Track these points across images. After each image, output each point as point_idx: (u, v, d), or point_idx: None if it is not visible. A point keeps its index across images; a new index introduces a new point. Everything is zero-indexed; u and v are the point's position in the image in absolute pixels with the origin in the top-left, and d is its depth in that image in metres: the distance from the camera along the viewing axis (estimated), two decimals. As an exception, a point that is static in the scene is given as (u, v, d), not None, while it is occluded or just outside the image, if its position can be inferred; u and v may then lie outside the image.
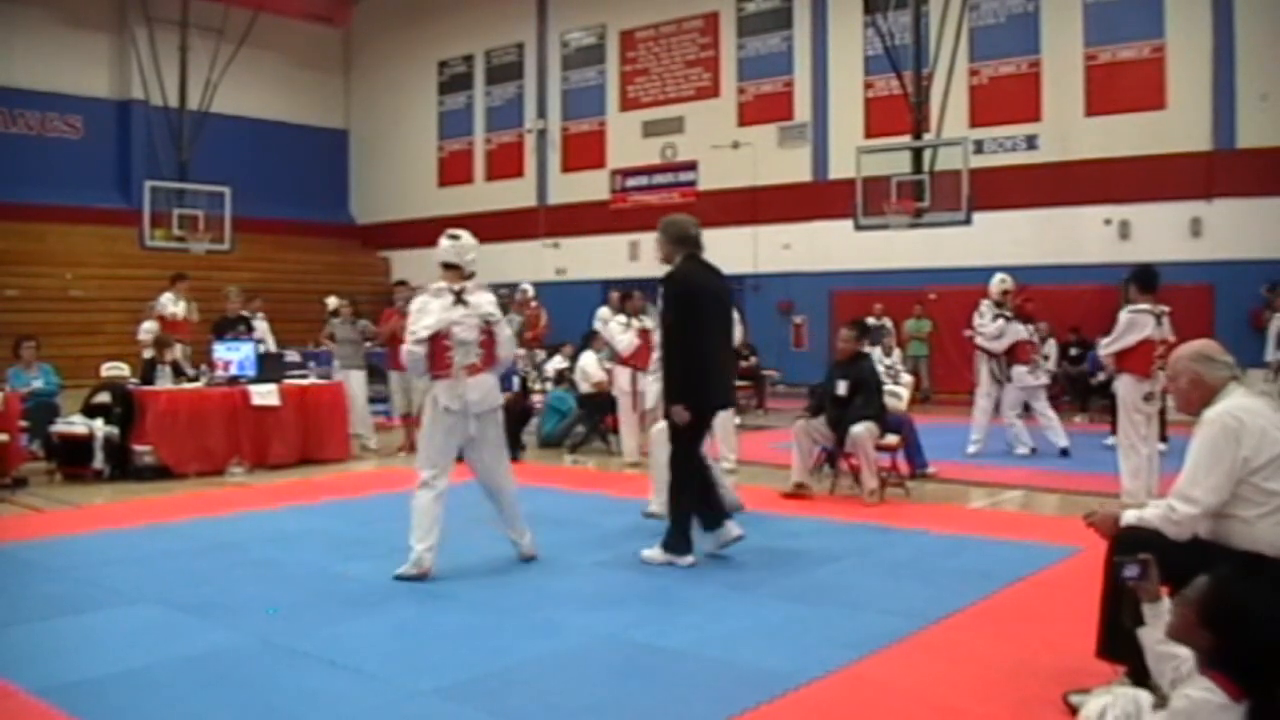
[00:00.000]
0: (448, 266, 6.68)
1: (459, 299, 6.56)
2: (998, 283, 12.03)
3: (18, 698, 4.39)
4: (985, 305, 11.99)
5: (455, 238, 6.74)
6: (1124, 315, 8.68)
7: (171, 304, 14.27)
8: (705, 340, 6.76)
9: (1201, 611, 3.14)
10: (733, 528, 6.92)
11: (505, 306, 18.64)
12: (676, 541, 6.73)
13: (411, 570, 6.33)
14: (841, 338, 9.41)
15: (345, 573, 6.60)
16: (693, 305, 6.74)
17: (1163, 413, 9.62)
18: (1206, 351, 4.20)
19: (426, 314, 6.54)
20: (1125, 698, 3.34)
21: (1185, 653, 3.21)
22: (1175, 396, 4.32)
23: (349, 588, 6.29)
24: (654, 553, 6.78)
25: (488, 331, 6.64)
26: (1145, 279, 8.78)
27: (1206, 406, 4.09)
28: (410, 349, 6.55)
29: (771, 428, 14.82)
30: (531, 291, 15.61)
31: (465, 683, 4.58)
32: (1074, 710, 3.97)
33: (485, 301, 6.69)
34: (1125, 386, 8.72)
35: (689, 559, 6.70)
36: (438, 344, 6.53)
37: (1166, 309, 8.74)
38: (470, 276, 6.71)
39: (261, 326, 14.97)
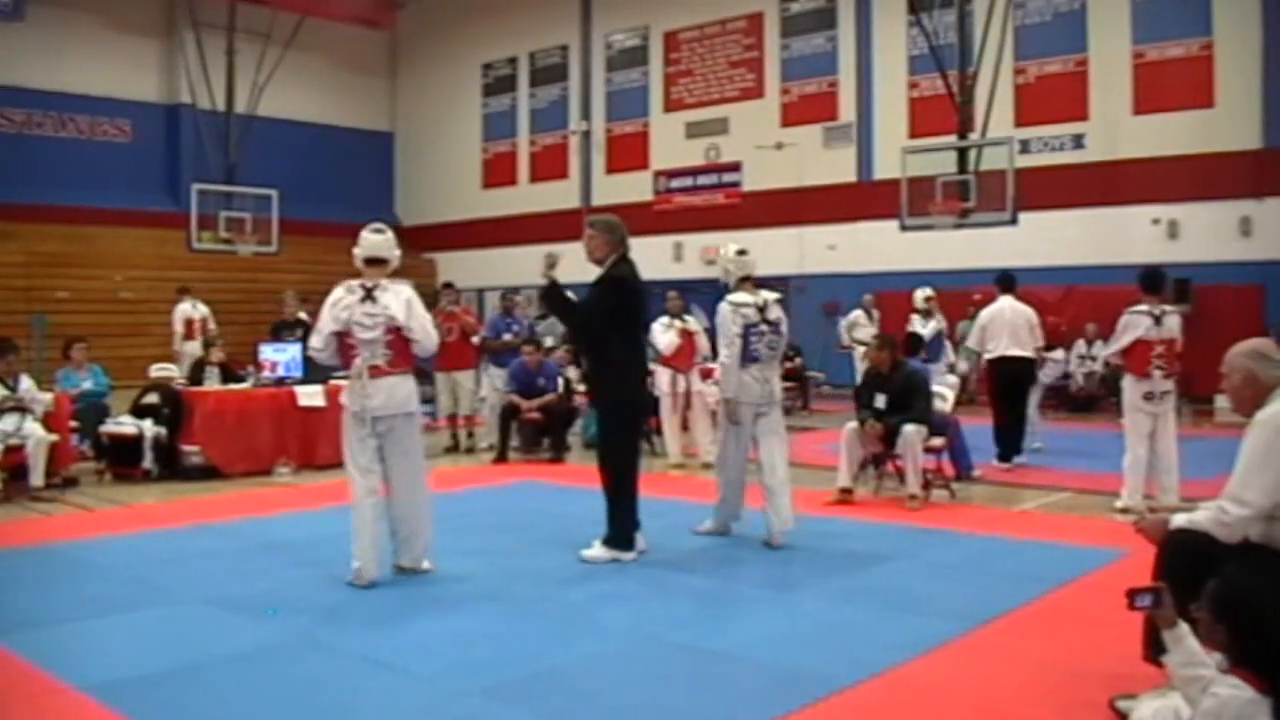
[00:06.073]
0: (371, 262, 6.56)
1: (369, 295, 6.42)
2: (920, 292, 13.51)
3: (67, 695, 4.45)
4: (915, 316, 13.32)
5: (380, 231, 6.73)
6: (1121, 318, 8.83)
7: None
8: None
9: (1213, 608, 3.24)
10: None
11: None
12: None
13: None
14: (866, 354, 9.41)
15: (389, 573, 6.62)
16: None
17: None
18: (1261, 349, 4.15)
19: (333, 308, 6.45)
20: (1166, 709, 3.33)
21: (1210, 673, 3.24)
22: (1228, 394, 4.26)
23: (393, 588, 6.32)
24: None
25: (394, 331, 6.40)
26: (1148, 280, 8.88)
27: (1259, 407, 4.03)
28: (310, 344, 6.65)
29: (816, 429, 14.75)
30: None
31: (510, 683, 4.58)
32: (1122, 715, 3.93)
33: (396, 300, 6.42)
34: (1126, 386, 8.84)
35: None
36: (343, 342, 6.50)
37: (1169, 308, 8.86)
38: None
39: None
